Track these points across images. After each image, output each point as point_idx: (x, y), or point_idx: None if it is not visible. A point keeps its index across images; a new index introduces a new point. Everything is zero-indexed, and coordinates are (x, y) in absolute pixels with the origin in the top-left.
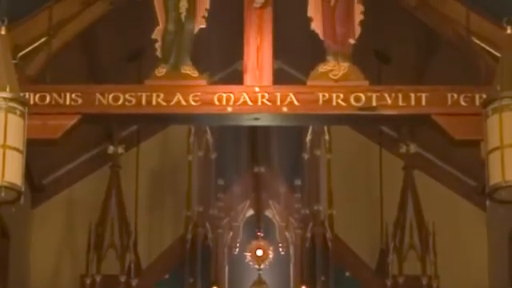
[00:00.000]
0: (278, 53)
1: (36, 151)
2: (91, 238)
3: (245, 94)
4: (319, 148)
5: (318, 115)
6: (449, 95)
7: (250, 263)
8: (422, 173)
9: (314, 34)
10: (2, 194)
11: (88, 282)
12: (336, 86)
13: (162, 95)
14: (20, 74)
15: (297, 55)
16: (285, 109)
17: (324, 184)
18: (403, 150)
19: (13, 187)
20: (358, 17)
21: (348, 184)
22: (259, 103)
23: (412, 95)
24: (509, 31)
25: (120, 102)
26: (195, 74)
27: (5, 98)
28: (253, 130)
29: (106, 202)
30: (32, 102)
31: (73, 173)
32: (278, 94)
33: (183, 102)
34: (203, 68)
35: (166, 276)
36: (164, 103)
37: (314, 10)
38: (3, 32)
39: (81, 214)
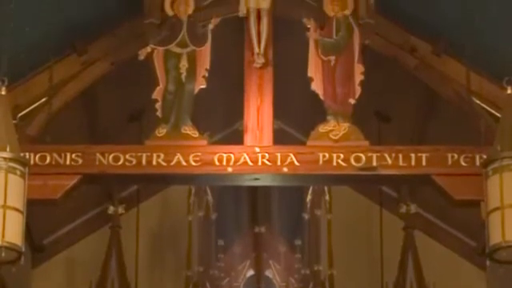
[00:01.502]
0: (278, 113)
1: (36, 211)
2: None
3: (245, 155)
4: (319, 208)
5: (318, 175)
6: (449, 155)
7: None
8: (422, 233)
9: (314, 94)
10: (3, 254)
11: None
12: (336, 146)
13: (162, 155)
14: (20, 134)
15: (297, 115)
16: (285, 169)
17: (324, 244)
18: (403, 210)
19: (13, 247)
20: (359, 77)
21: (348, 244)
22: (259, 163)
23: (412, 155)
24: (509, 91)
25: (120, 163)
26: (195, 134)
27: (5, 158)
28: (253, 190)
29: (106, 262)
30: (32, 162)
31: (73, 233)
32: (279, 155)
33: (183, 163)
34: (203, 128)
35: None
36: (164, 163)
37: (314, 70)
38: (3, 92)
39: (81, 274)
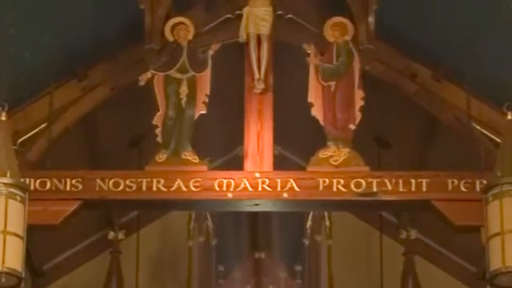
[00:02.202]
0: (278, 138)
1: (37, 237)
2: None
3: (245, 180)
4: (320, 234)
5: (318, 201)
6: (449, 181)
7: None
8: (422, 259)
9: (314, 120)
10: (3, 280)
11: None
12: (336, 171)
13: (162, 181)
14: (20, 159)
15: (297, 141)
16: (285, 195)
17: (325, 270)
18: (404, 235)
19: (13, 273)
20: (359, 103)
21: (349, 270)
22: (259, 189)
23: (412, 181)
24: (509, 117)
25: (120, 188)
26: (196, 159)
27: (5, 184)
28: (253, 215)
29: None
30: (32, 188)
31: (73, 258)
32: (279, 180)
33: (184, 188)
34: (204, 153)
35: None
36: (164, 189)
37: (314, 96)
38: (3, 118)
39: None
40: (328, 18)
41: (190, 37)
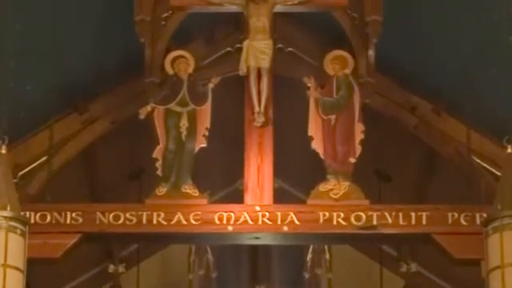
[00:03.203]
0: (278, 172)
1: (37, 270)
2: None
3: (245, 213)
4: (320, 267)
5: (318, 234)
6: (449, 214)
7: None
8: None
9: (314, 153)
10: None
11: None
12: (337, 205)
13: (162, 214)
14: (21, 192)
15: (297, 174)
16: (285, 228)
17: None
18: (404, 269)
19: None
20: (359, 136)
21: None
22: (260, 222)
23: (413, 214)
24: (509, 150)
25: (121, 221)
26: (196, 193)
27: (5, 217)
28: (253, 248)
29: None
30: (33, 221)
31: None
32: (279, 213)
33: (184, 221)
34: (204, 187)
35: None
36: (165, 222)
37: (314, 129)
38: (4, 151)
39: None
40: (328, 51)
41: (191, 70)
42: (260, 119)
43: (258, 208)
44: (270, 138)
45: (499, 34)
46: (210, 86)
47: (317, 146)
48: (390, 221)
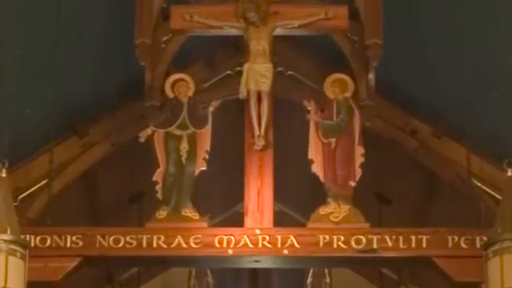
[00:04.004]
0: (278, 195)
1: None
2: None
3: (245, 237)
4: None
5: (318, 258)
6: (449, 238)
7: None
8: None
9: (314, 177)
10: None
11: None
12: (337, 228)
13: (162, 238)
14: (21, 216)
15: (297, 197)
16: (285, 251)
17: None
18: None
19: None
20: (359, 159)
21: None
22: (260, 245)
23: (413, 237)
24: (509, 173)
25: (121, 245)
26: (196, 216)
27: (5, 241)
28: (254, 271)
29: None
30: (33, 245)
31: None
32: (279, 237)
33: (184, 245)
34: (204, 210)
35: None
36: (165, 246)
37: (314, 153)
38: (4, 174)
39: None
40: (328, 74)
41: (191, 93)
42: (260, 142)
43: (258, 231)
44: (270, 162)
45: (499, 57)
46: (210, 109)
47: (317, 169)
48: (390, 244)
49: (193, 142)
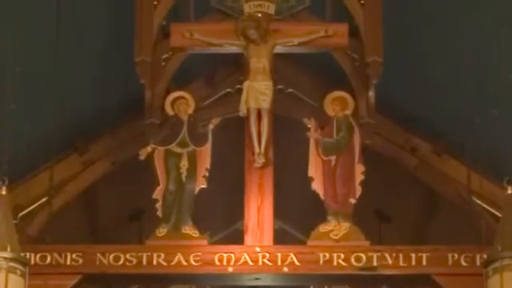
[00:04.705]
0: (278, 213)
1: None
2: None
3: (245, 254)
4: None
5: (318, 275)
6: (449, 255)
7: None
8: None
9: (314, 194)
10: None
11: None
12: (337, 246)
13: (162, 255)
14: (21, 233)
15: (297, 215)
16: (285, 269)
17: None
18: None
19: None
20: (359, 177)
21: None
22: (260, 263)
23: (413, 255)
24: (509, 191)
25: (121, 262)
26: (196, 233)
27: (5, 258)
28: None
29: None
30: (33, 262)
31: None
32: (279, 254)
33: (184, 262)
34: (204, 228)
35: None
36: (165, 263)
37: (314, 170)
38: (4, 192)
39: None
40: (328, 92)
41: (191, 111)
42: (260, 160)
43: (258, 249)
44: (270, 179)
45: (499, 75)
46: (210, 126)
47: (317, 186)
48: (390, 262)
49: (193, 159)
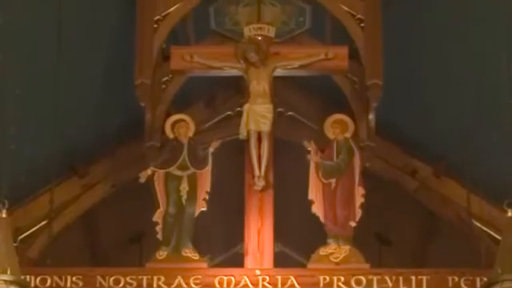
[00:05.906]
0: (278, 235)
1: None
2: None
3: (246, 277)
4: None
5: None
6: (450, 278)
7: None
8: None
9: (314, 217)
10: None
11: None
12: (337, 268)
13: (162, 278)
14: (21, 256)
15: (298, 238)
16: None
17: None
18: None
19: None
20: (359, 200)
21: None
22: (260, 286)
23: (413, 278)
24: (509, 214)
25: (121, 285)
26: (196, 256)
27: (5, 281)
28: None
29: None
30: (33, 285)
31: None
32: (279, 277)
33: (184, 285)
34: (204, 251)
35: None
36: (165, 286)
37: (314, 193)
38: (4, 215)
39: None
40: (328, 115)
41: (191, 134)
42: (260, 183)
43: (258, 272)
44: (270, 202)
45: (500, 98)
46: (211, 149)
47: (317, 209)
48: (390, 285)
49: (193, 182)
